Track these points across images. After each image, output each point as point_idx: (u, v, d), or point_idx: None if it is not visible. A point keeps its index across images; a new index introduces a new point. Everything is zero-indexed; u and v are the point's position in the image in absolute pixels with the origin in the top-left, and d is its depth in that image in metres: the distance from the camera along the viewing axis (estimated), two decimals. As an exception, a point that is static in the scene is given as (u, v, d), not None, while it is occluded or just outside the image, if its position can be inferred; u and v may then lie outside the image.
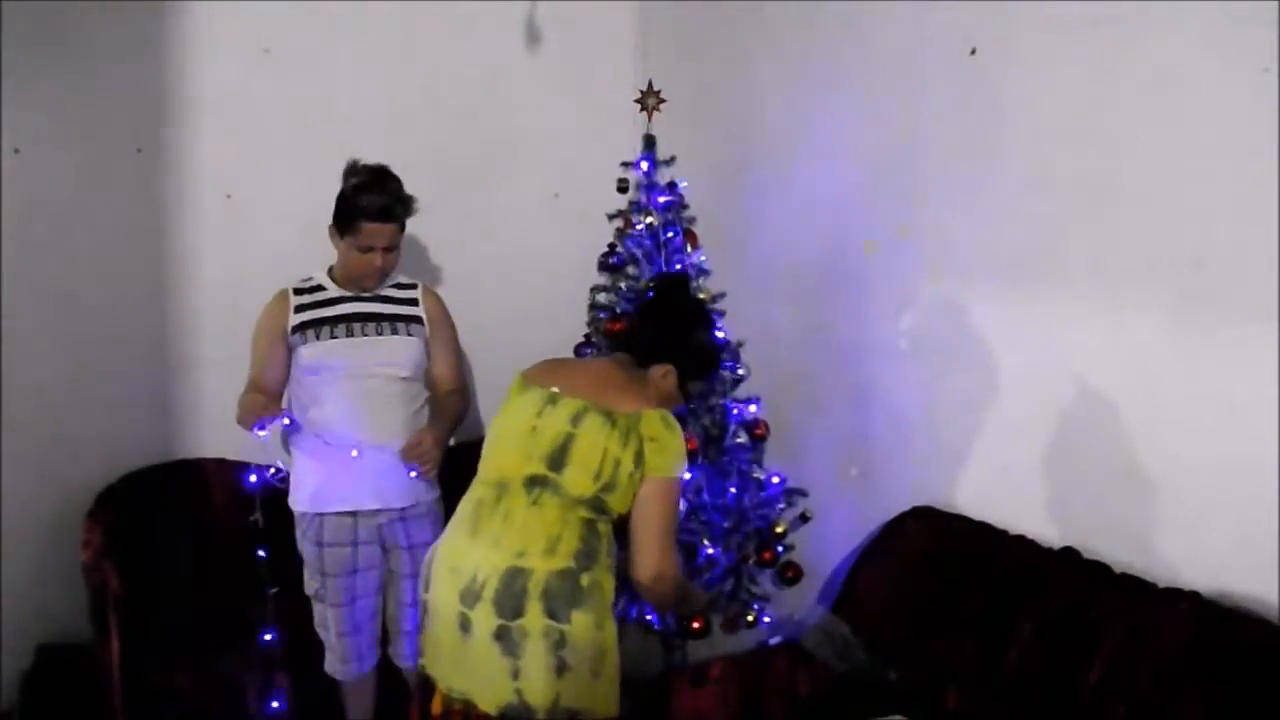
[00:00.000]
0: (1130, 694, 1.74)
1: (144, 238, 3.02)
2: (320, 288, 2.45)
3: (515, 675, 1.80)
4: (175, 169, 3.03)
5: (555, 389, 1.93)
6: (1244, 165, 1.74)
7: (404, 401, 2.43)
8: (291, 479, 2.47)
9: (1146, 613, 1.81)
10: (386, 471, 2.39)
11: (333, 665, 2.50)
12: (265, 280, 3.06)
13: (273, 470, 2.45)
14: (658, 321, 2.04)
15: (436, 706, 1.93)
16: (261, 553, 2.35)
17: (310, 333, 2.39)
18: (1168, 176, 1.88)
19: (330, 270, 2.48)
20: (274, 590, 2.37)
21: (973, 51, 2.27)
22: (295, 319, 2.40)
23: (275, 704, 2.52)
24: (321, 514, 2.41)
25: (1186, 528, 1.89)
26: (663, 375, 1.98)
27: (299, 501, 2.45)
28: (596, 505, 1.87)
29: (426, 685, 1.96)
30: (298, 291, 2.45)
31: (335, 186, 2.46)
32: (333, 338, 2.39)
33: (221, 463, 3.07)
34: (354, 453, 2.33)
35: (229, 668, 2.58)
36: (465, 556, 1.87)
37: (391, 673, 2.58)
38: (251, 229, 3.09)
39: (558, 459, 1.86)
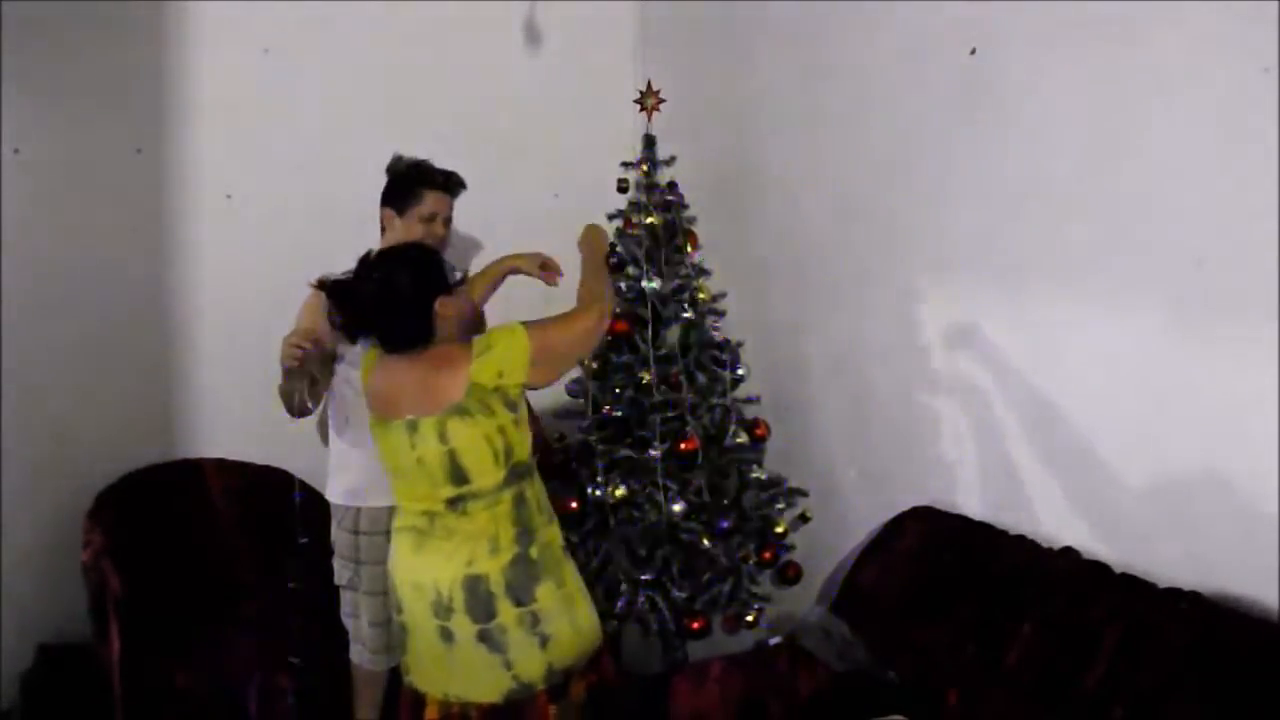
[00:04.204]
0: (1130, 694, 1.74)
1: (144, 238, 3.02)
2: None
3: (509, 666, 1.94)
4: (175, 169, 3.03)
5: (409, 416, 1.92)
6: (1244, 165, 1.74)
7: None
8: (330, 471, 2.48)
9: (1146, 613, 1.81)
10: None
11: (361, 655, 2.50)
12: (265, 280, 3.07)
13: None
14: (375, 297, 1.91)
15: (433, 713, 2.00)
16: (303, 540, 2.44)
17: None
18: (1168, 176, 1.88)
19: None
20: (305, 540, 2.42)
21: (973, 51, 2.27)
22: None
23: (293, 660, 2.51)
24: (359, 506, 2.42)
25: (1186, 528, 1.89)
26: (442, 310, 1.92)
27: (337, 494, 2.45)
28: (515, 474, 1.95)
29: (416, 699, 2.04)
30: None
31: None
32: None
33: (221, 463, 3.08)
34: None
35: (229, 668, 2.58)
36: (421, 572, 1.96)
37: (395, 673, 2.58)
38: (251, 229, 3.09)
39: (457, 475, 1.91)
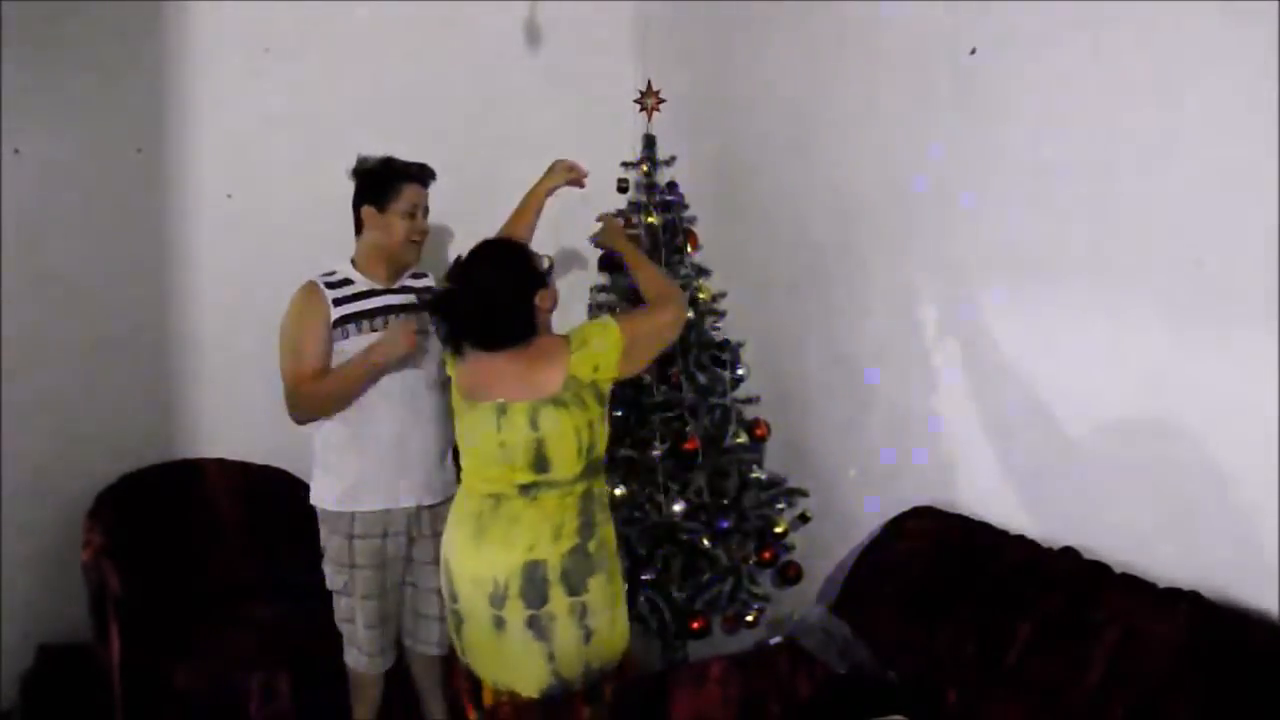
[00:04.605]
0: (1130, 694, 1.74)
1: (144, 238, 3.02)
2: (349, 281, 2.43)
3: (550, 658, 1.95)
4: (175, 169, 3.03)
5: (500, 399, 1.95)
6: (1244, 165, 1.74)
7: (439, 391, 2.44)
8: (319, 476, 2.46)
9: (1146, 613, 1.81)
10: (421, 466, 2.42)
11: (357, 659, 2.49)
12: (265, 280, 3.07)
13: None
14: (482, 304, 1.94)
15: (488, 699, 2.04)
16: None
17: (351, 326, 2.38)
18: (1168, 176, 1.88)
19: (353, 262, 2.48)
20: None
21: (973, 51, 2.27)
22: (335, 312, 2.38)
23: None
24: (353, 512, 2.41)
25: (1186, 528, 1.89)
26: (540, 302, 1.97)
27: (329, 501, 2.43)
28: (591, 469, 1.99)
29: (474, 678, 2.08)
30: (328, 285, 2.41)
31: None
32: (372, 330, 2.39)
33: (221, 463, 3.08)
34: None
35: (229, 668, 2.58)
36: (480, 564, 1.96)
37: (391, 673, 2.58)
38: (251, 229, 3.09)
39: (539, 462, 1.94)
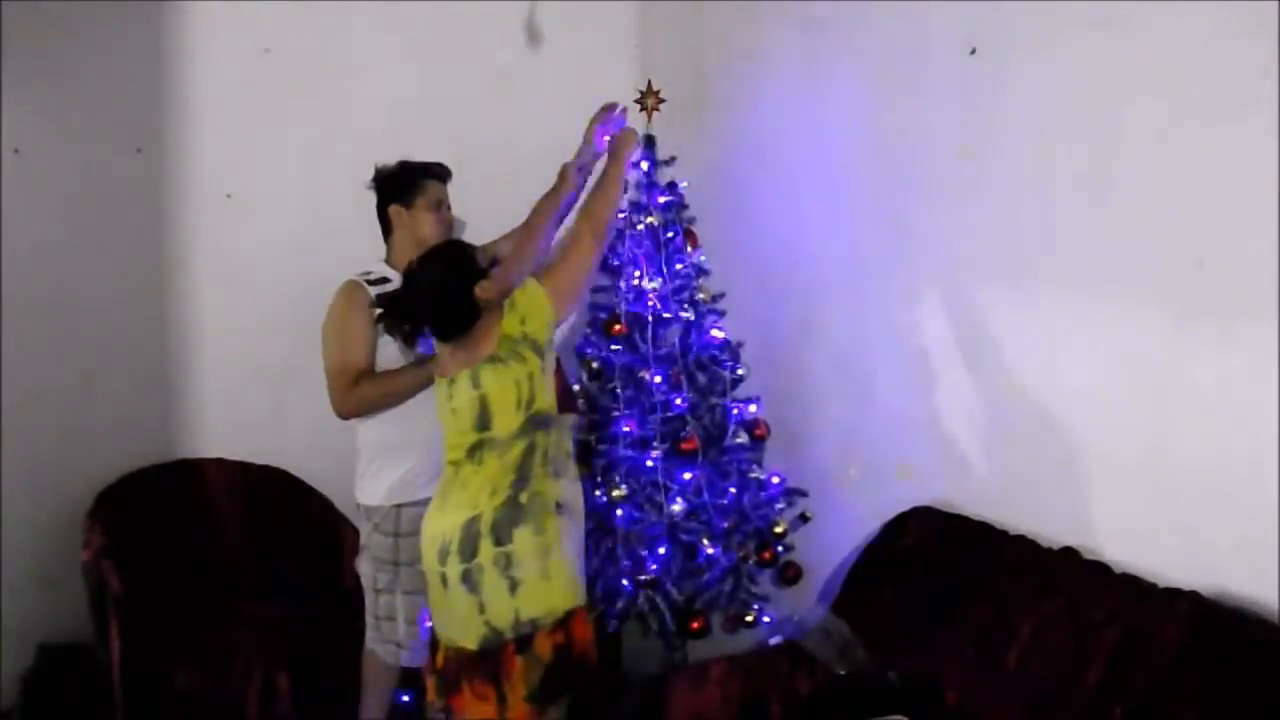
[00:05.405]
0: (1129, 694, 1.74)
1: (144, 238, 3.02)
2: (386, 279, 2.44)
3: (481, 610, 2.06)
4: (175, 169, 3.03)
5: (451, 375, 2.11)
6: (1244, 165, 1.74)
7: None
8: (367, 474, 2.47)
9: (1146, 613, 1.81)
10: None
11: (396, 654, 2.49)
12: (265, 280, 3.08)
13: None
14: (424, 302, 2.11)
15: (440, 660, 2.15)
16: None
17: None
18: (1168, 176, 1.88)
19: (388, 262, 2.49)
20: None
21: (973, 51, 2.27)
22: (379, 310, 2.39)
23: (405, 698, 2.59)
24: (400, 505, 2.42)
25: (1186, 528, 1.89)
26: (482, 293, 2.06)
27: (378, 496, 2.44)
28: (533, 423, 2.09)
29: (434, 641, 2.19)
30: (369, 283, 2.42)
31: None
32: None
33: (221, 463, 3.08)
34: None
35: (229, 668, 2.58)
36: (437, 525, 2.12)
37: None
38: (251, 229, 3.09)
39: (483, 420, 2.08)
